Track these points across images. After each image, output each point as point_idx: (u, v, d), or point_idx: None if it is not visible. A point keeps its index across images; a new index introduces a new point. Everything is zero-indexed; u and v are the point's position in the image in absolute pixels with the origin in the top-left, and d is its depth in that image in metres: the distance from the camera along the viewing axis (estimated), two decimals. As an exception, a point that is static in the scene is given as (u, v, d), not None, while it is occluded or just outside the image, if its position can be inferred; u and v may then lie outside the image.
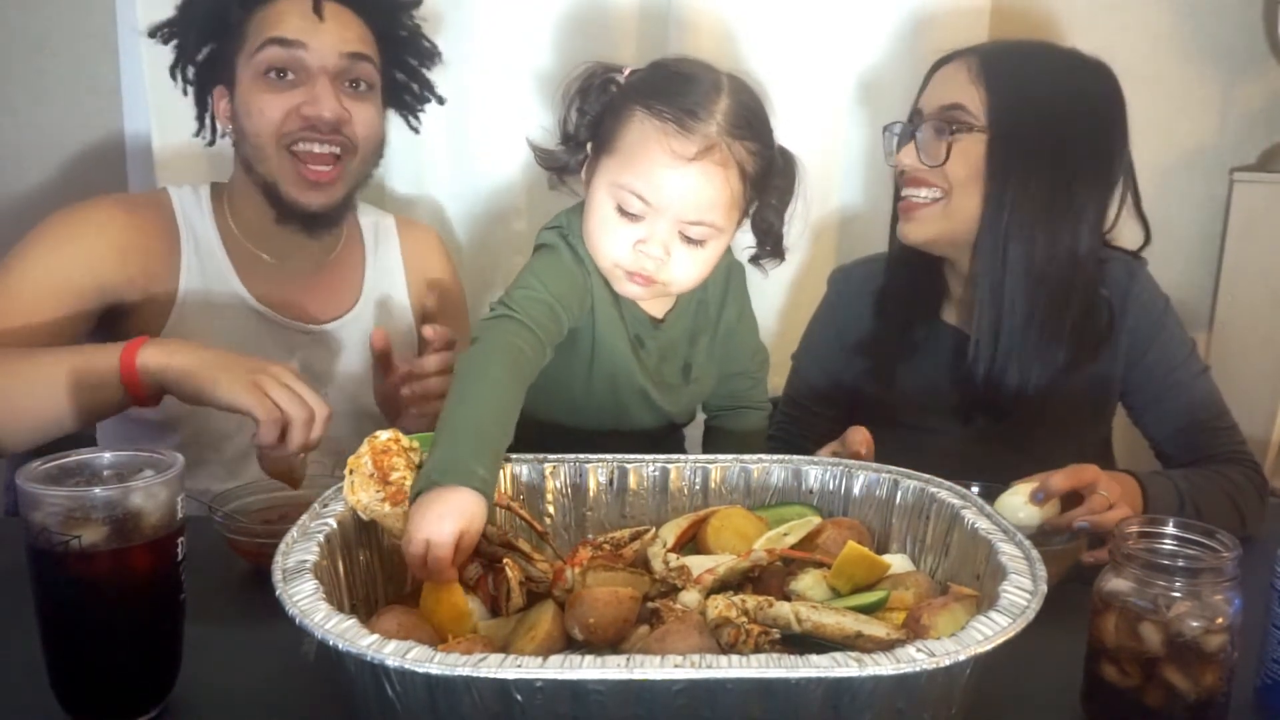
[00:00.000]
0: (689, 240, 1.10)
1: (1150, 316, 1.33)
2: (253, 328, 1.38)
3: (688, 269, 1.12)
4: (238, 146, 1.37)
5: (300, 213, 1.35)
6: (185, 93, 1.41)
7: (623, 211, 1.09)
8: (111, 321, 1.32)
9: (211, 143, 1.43)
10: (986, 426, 1.34)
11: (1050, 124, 1.25)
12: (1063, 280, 1.26)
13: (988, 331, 1.29)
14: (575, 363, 1.19)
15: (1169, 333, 1.33)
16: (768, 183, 1.15)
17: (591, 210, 1.13)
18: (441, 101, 1.53)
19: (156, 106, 1.63)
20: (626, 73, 1.14)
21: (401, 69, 1.47)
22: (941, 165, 1.27)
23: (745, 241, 1.22)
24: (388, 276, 1.52)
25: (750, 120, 1.10)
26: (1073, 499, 1.09)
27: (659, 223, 1.09)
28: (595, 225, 1.12)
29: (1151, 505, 1.15)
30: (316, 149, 1.31)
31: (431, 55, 1.48)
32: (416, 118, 1.53)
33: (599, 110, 1.13)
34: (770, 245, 1.21)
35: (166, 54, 1.40)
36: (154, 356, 1.11)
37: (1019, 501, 1.06)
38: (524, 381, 1.03)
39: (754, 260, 1.24)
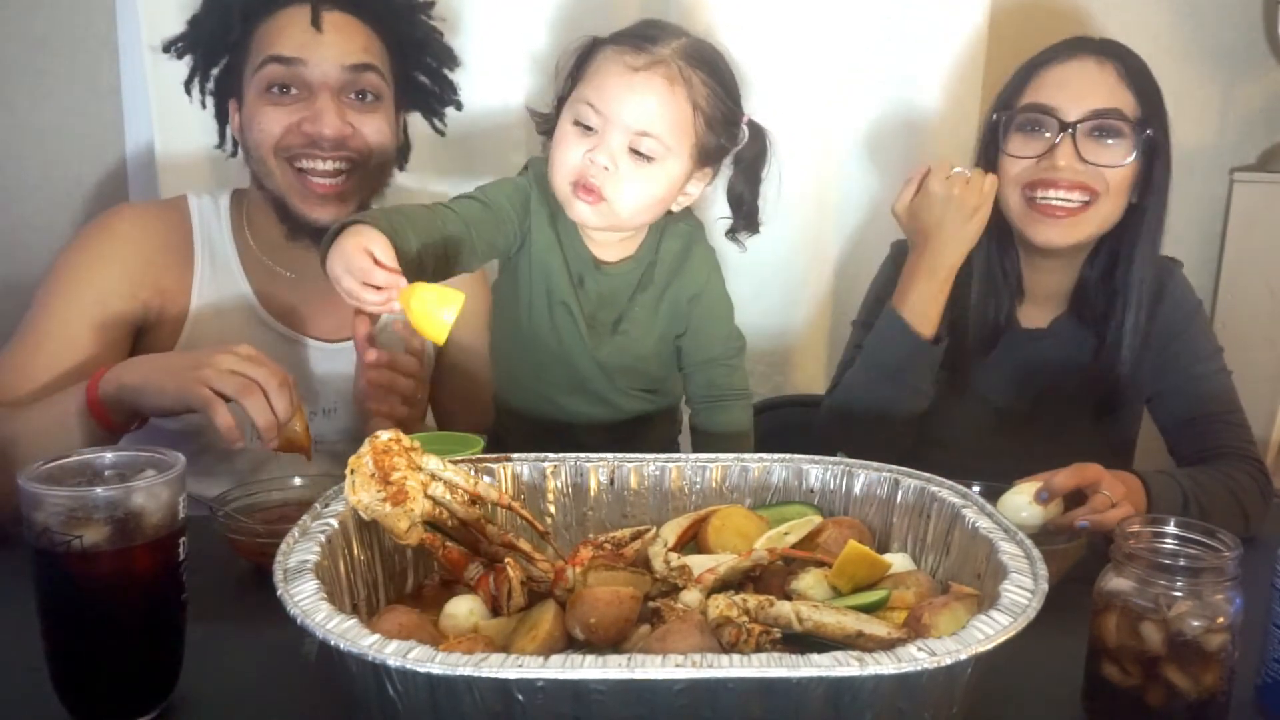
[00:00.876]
0: (637, 155, 1.15)
1: (1180, 312, 1.38)
2: (266, 344, 1.35)
3: (634, 189, 1.17)
4: (247, 161, 1.36)
5: (310, 228, 1.32)
6: (204, 105, 1.40)
7: (578, 124, 1.17)
8: (135, 340, 1.32)
9: (234, 154, 1.42)
10: (1103, 421, 1.41)
11: (1167, 123, 1.35)
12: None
13: (1130, 329, 1.35)
14: (519, 290, 1.26)
15: (1196, 329, 1.38)
16: (730, 133, 1.21)
17: (556, 139, 1.20)
18: (459, 107, 1.51)
19: (159, 109, 1.61)
20: None
21: (421, 70, 1.45)
22: (1123, 168, 1.30)
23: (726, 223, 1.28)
24: None
25: (707, 60, 1.18)
26: (1076, 498, 1.09)
27: (610, 133, 1.15)
28: (556, 148, 1.19)
29: (1155, 504, 1.15)
30: (320, 165, 1.29)
31: (451, 57, 1.46)
32: (442, 119, 1.51)
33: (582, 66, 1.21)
34: (744, 217, 1.28)
35: (168, 57, 1.39)
36: (108, 382, 1.11)
37: (1023, 501, 1.06)
38: (442, 231, 1.13)
39: (729, 234, 1.29)
